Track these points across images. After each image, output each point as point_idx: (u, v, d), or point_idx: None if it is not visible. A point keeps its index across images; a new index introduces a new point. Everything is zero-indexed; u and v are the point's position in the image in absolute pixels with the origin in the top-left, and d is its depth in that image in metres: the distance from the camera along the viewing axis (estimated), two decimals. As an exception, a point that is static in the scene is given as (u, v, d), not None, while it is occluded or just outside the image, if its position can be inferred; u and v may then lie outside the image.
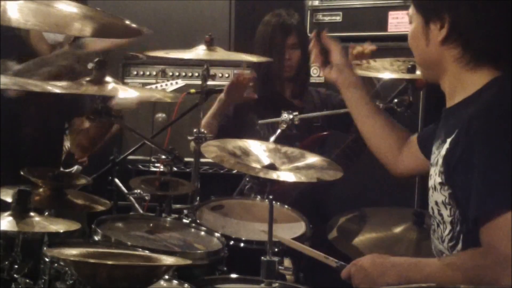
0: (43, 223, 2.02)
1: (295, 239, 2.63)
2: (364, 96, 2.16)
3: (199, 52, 2.83)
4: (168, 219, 2.68)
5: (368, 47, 3.09)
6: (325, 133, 3.31)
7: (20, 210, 1.98)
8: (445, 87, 1.82)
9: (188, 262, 1.88)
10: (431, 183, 1.80)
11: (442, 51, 1.76)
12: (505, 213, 1.55)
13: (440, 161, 1.74)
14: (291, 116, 2.94)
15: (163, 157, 2.88)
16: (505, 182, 1.57)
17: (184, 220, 2.69)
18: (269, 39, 3.37)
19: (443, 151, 1.74)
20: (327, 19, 3.96)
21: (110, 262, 1.56)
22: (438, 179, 1.74)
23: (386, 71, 2.71)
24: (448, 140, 1.73)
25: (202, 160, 2.91)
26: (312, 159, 2.50)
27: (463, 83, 1.76)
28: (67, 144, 4.04)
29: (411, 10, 1.86)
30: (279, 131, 2.93)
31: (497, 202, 1.57)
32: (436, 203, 1.77)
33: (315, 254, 2.09)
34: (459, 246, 1.72)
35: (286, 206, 2.82)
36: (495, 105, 1.67)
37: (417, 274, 1.71)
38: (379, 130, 2.14)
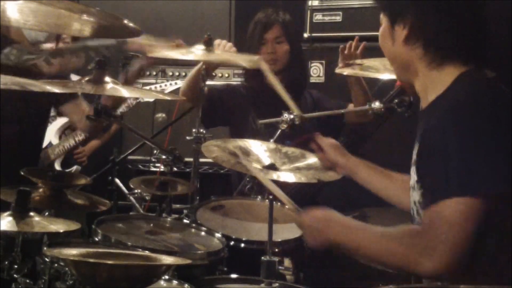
0: (43, 223, 2.02)
1: (296, 239, 2.63)
2: (365, 164, 2.33)
3: (197, 52, 2.83)
4: (168, 219, 2.68)
5: (355, 44, 3.10)
6: (316, 133, 3.31)
7: (20, 210, 1.99)
8: (418, 88, 1.86)
9: (188, 262, 1.88)
10: (411, 182, 1.84)
11: (406, 51, 1.81)
12: (448, 198, 1.58)
13: (414, 158, 1.79)
14: (291, 116, 2.94)
15: (163, 157, 2.88)
16: (451, 171, 1.60)
17: (184, 220, 2.69)
18: (251, 35, 3.40)
19: (415, 149, 1.79)
20: (327, 19, 3.96)
21: (110, 262, 1.56)
22: (415, 177, 1.78)
23: (386, 71, 2.71)
24: (419, 139, 1.77)
25: (202, 160, 2.90)
26: (313, 159, 2.50)
27: (432, 83, 1.80)
28: (67, 144, 4.04)
29: (382, 13, 1.89)
30: (279, 131, 2.93)
31: (443, 188, 1.60)
32: (415, 202, 1.80)
33: (279, 194, 2.12)
34: None
35: (286, 206, 2.82)
36: (453, 101, 1.71)
37: (358, 236, 1.78)
38: (384, 183, 2.29)
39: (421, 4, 1.77)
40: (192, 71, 3.27)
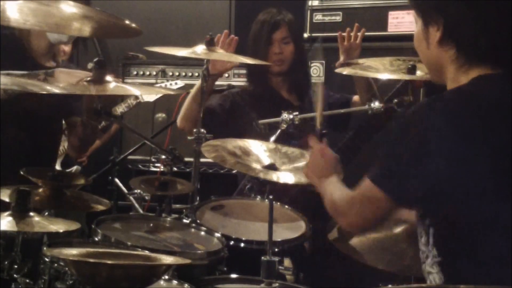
0: (43, 223, 2.02)
1: (295, 239, 2.63)
2: None
3: (199, 51, 2.83)
4: (168, 219, 2.68)
5: (354, 33, 3.11)
6: (322, 131, 3.31)
7: (20, 210, 1.98)
8: (448, 88, 1.84)
9: (188, 262, 1.88)
10: None
11: (440, 53, 1.79)
12: (370, 180, 1.74)
13: None
14: (291, 116, 2.94)
15: (163, 157, 2.88)
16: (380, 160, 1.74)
17: (184, 220, 2.69)
18: (257, 35, 3.39)
19: None
20: (327, 19, 3.96)
21: (109, 262, 1.56)
22: None
23: (385, 71, 2.71)
24: None
25: (202, 160, 2.90)
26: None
27: (458, 84, 1.78)
28: (67, 144, 4.05)
29: (415, 13, 1.88)
30: (279, 131, 2.93)
31: (372, 170, 1.76)
32: None
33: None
34: (431, 240, 1.74)
35: (286, 206, 2.82)
36: (433, 100, 1.75)
37: (329, 188, 2.04)
38: None
39: (455, 5, 1.75)
40: (188, 98, 3.24)
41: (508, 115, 1.69)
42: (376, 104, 2.85)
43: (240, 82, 4.03)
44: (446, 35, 1.75)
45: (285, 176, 2.50)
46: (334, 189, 2.00)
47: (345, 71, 2.81)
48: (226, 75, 4.29)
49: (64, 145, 4.05)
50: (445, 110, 1.69)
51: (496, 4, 1.74)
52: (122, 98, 4.14)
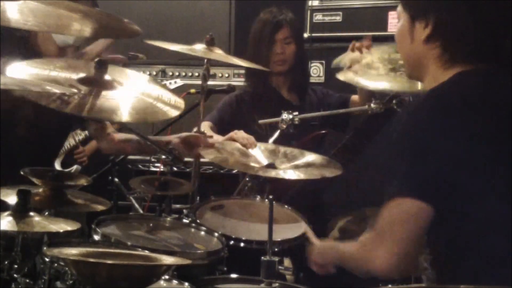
0: (43, 223, 2.02)
1: (295, 239, 2.63)
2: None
3: (200, 49, 2.83)
4: (168, 219, 2.68)
5: (366, 43, 3.09)
6: (322, 131, 3.31)
7: (20, 210, 1.99)
8: (425, 86, 1.85)
9: (188, 262, 1.88)
10: None
11: (424, 50, 1.79)
12: (394, 199, 1.63)
13: None
14: (291, 116, 2.94)
15: (163, 157, 2.88)
16: (402, 170, 1.65)
17: (184, 220, 2.69)
18: (259, 35, 3.39)
19: None
20: (327, 19, 3.96)
21: (109, 262, 1.57)
22: None
23: (382, 78, 2.69)
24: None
25: (202, 160, 2.90)
26: (311, 157, 2.51)
27: (437, 81, 1.78)
28: (67, 144, 4.04)
29: (399, 8, 1.88)
30: (278, 131, 2.93)
31: (392, 189, 1.65)
32: None
33: None
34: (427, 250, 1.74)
35: (286, 206, 2.82)
36: (422, 100, 1.74)
37: (336, 254, 1.94)
38: None
39: (444, 4, 1.75)
40: None
41: (493, 109, 1.69)
42: (376, 104, 2.85)
43: (240, 82, 4.03)
44: (435, 34, 1.75)
45: (284, 174, 2.50)
46: (343, 246, 1.92)
47: (341, 77, 2.80)
48: (226, 75, 4.30)
49: (64, 145, 4.05)
50: (435, 109, 1.68)
51: (486, 4, 1.74)
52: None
